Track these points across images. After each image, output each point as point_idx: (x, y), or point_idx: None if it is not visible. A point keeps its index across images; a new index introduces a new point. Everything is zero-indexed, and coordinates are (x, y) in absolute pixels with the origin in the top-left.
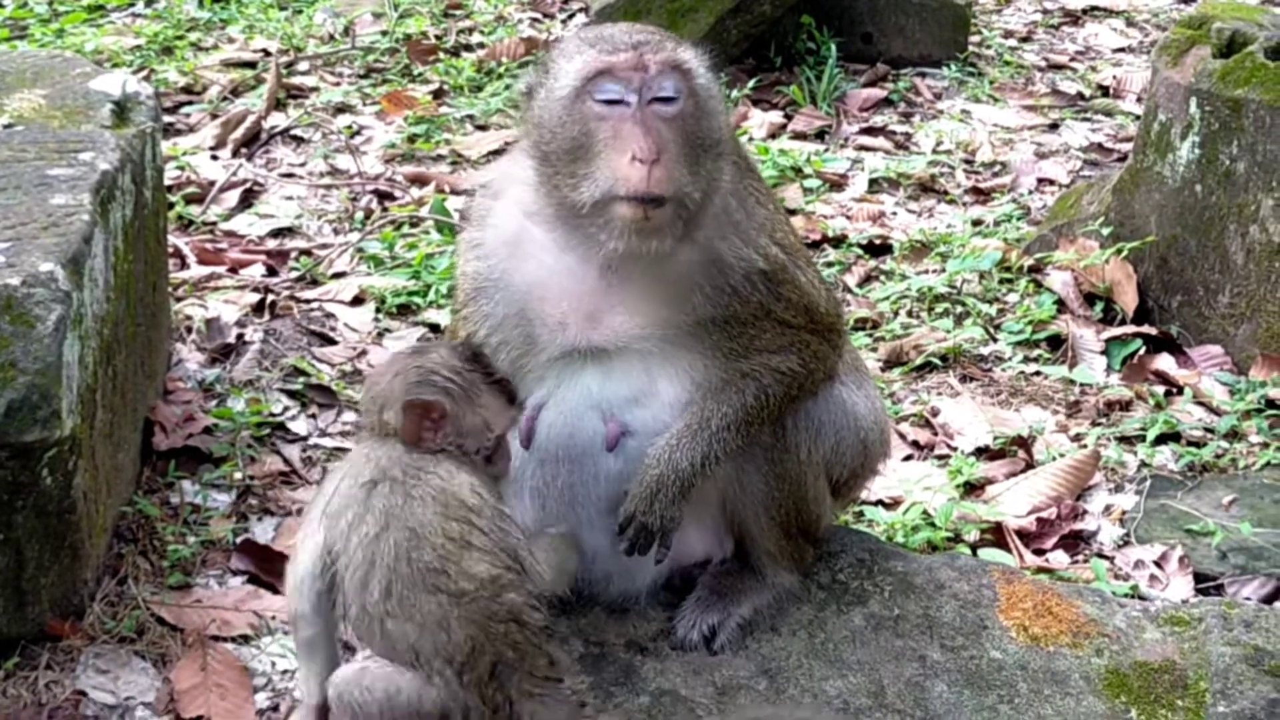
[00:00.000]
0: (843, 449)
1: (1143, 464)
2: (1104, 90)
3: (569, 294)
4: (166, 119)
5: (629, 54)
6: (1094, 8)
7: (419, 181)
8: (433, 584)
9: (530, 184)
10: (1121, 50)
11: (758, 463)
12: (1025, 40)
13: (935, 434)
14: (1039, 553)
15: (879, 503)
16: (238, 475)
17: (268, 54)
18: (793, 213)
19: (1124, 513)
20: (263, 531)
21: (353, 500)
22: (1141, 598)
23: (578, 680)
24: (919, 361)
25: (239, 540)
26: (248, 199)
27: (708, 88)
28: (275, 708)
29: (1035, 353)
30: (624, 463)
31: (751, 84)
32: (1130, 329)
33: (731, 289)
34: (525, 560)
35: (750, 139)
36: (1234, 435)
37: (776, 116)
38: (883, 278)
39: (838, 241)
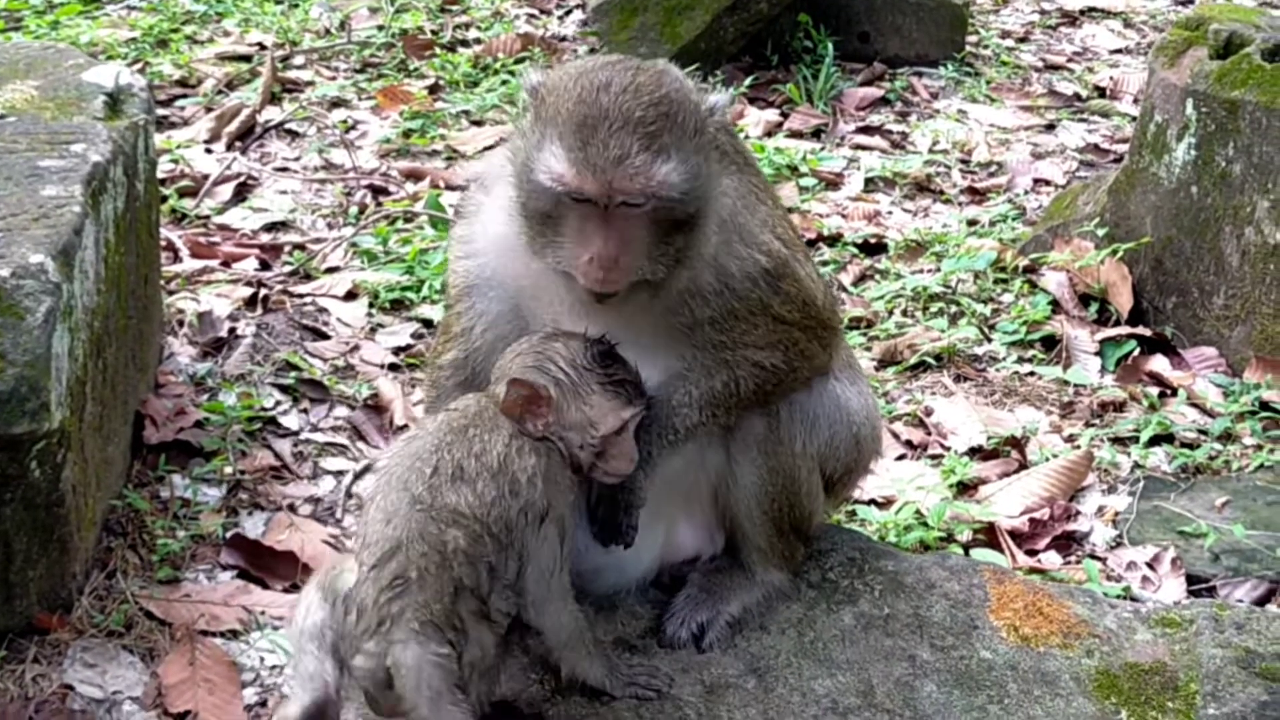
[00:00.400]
0: (836, 443)
1: (1136, 465)
2: (1101, 91)
3: (560, 295)
4: (161, 112)
5: (598, 184)
6: (1092, 9)
7: (414, 176)
8: (407, 482)
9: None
10: (1119, 51)
11: (751, 455)
12: (1023, 40)
13: (929, 434)
14: (1031, 553)
15: (871, 502)
16: (228, 469)
17: (263, 48)
18: (788, 211)
19: (1117, 514)
20: (253, 526)
21: (435, 420)
22: (1134, 599)
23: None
24: (913, 361)
25: (229, 535)
26: (242, 193)
27: (691, 176)
28: (263, 703)
29: (1029, 353)
30: None
31: (748, 82)
32: (1125, 330)
33: (732, 290)
34: (521, 549)
35: (746, 137)
36: (1227, 437)
37: (773, 114)
38: (877, 277)
39: (833, 240)
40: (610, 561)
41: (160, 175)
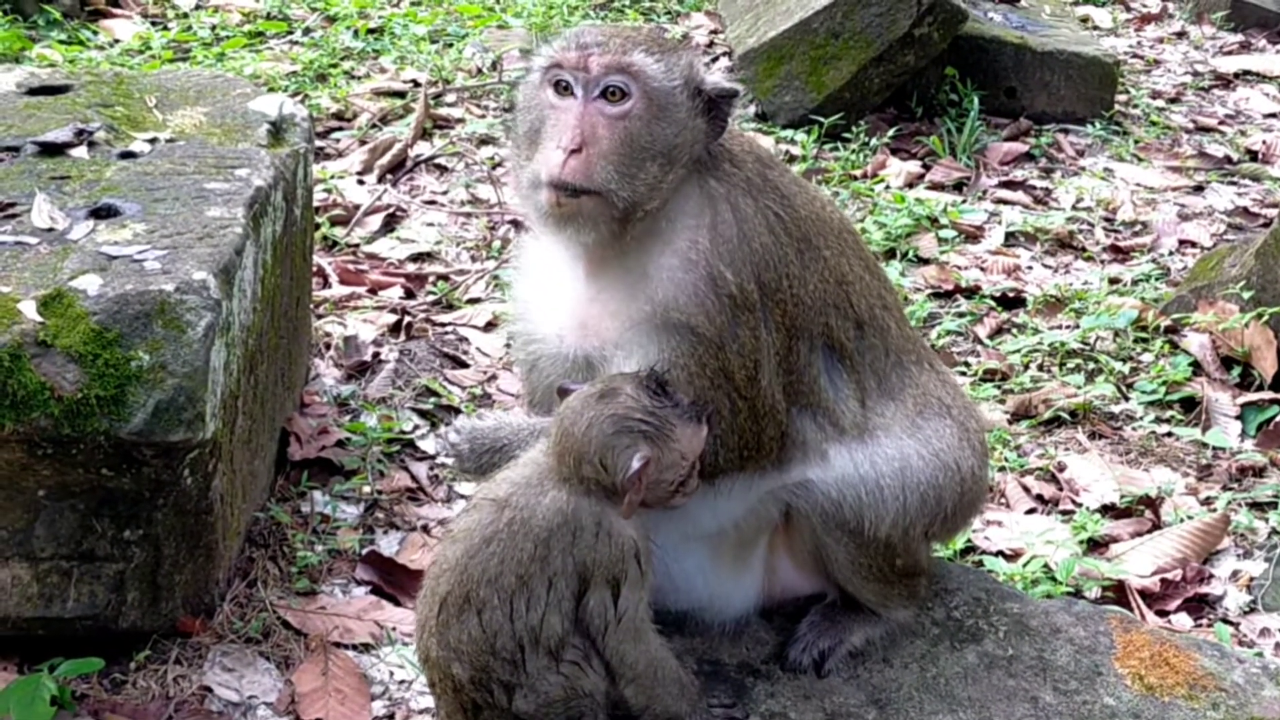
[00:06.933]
0: (928, 500)
1: (1274, 531)
2: (1252, 155)
3: (563, 305)
4: (317, 143)
5: (575, 54)
6: (1246, 72)
7: None
8: (430, 598)
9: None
10: (1272, 116)
11: (835, 535)
12: (1173, 101)
13: (1060, 489)
14: (1162, 614)
15: (1000, 554)
16: (367, 489)
17: (417, 84)
18: (926, 262)
19: (1252, 579)
20: (388, 545)
21: (473, 516)
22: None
23: None
24: (1047, 416)
25: (365, 551)
26: (390, 223)
27: (665, 92)
28: (391, 716)
29: (1168, 414)
30: None
31: (891, 133)
32: (1268, 395)
33: (698, 298)
34: (553, 643)
35: (888, 187)
36: None
37: (915, 166)
38: (1015, 331)
39: (970, 293)
40: (713, 593)
41: (315, 204)
